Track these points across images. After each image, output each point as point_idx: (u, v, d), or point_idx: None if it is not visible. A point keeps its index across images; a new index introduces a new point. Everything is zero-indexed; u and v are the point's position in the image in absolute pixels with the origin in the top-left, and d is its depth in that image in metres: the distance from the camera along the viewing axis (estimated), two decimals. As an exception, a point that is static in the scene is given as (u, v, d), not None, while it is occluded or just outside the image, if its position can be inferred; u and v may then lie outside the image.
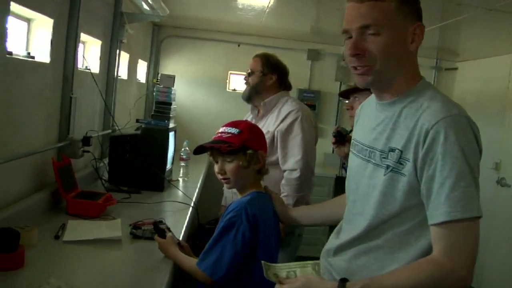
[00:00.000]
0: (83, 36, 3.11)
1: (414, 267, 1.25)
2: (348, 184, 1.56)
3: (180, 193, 3.26)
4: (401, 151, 1.30)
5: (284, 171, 2.80)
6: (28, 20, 2.46)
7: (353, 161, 1.53)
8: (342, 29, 1.38)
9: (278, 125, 2.86)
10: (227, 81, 5.74)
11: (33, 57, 2.38)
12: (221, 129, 1.92)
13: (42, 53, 2.48)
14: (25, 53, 2.36)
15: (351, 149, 1.58)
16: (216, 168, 1.89)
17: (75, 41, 2.71)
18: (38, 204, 2.39)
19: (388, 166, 1.33)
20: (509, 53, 4.65)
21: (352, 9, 1.36)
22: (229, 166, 1.87)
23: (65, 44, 2.69)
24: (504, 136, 4.62)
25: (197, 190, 3.46)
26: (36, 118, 2.46)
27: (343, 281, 1.28)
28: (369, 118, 1.50)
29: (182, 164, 3.80)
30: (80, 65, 3.10)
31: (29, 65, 2.33)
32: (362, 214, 1.41)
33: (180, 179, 3.74)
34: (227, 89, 5.74)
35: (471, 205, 1.20)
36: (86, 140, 2.88)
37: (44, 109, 2.55)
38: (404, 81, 1.38)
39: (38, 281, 1.56)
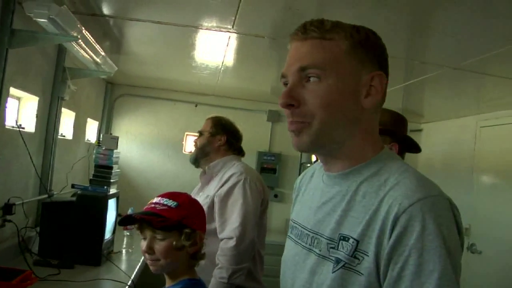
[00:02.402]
0: (16, 91, 2.82)
1: None
2: (282, 278, 1.20)
3: (120, 267, 2.89)
4: (357, 241, 0.95)
5: (221, 240, 2.50)
6: None
7: (290, 249, 1.19)
8: (281, 74, 1.10)
9: (219, 189, 2.60)
10: (184, 143, 5.47)
11: None
12: (155, 200, 1.62)
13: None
14: None
15: (288, 233, 1.24)
16: (143, 245, 1.57)
17: (0, 96, 2.41)
18: None
19: (338, 260, 0.98)
20: (475, 114, 4.57)
21: (294, 49, 1.07)
22: (160, 245, 1.55)
23: (-13, 99, 2.39)
24: (473, 200, 4.44)
25: (140, 263, 3.10)
26: None
27: None
28: (313, 194, 1.17)
29: (126, 233, 3.44)
30: (13, 123, 2.79)
31: None
32: None
33: (123, 251, 3.37)
34: (184, 151, 5.45)
35: None
36: (8, 208, 2.52)
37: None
38: (359, 147, 1.06)
39: None
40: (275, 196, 5.44)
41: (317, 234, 1.06)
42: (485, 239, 4.22)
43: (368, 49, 1.05)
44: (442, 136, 5.34)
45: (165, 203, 1.58)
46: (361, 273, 0.94)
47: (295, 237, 1.16)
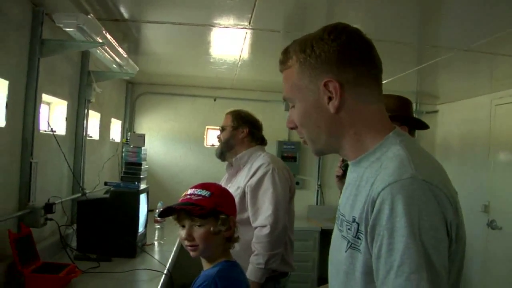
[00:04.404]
0: (47, 97, 2.97)
1: None
2: (329, 255, 1.31)
3: (154, 258, 3.04)
4: (358, 224, 1.06)
5: (255, 228, 2.63)
6: (-20, 83, 2.32)
7: (334, 230, 1.30)
8: None
9: (249, 180, 2.72)
10: (205, 136, 5.62)
11: (-15, 122, 2.22)
12: (189, 191, 1.76)
13: (-3, 117, 2.33)
14: (-24, 118, 2.21)
15: None
16: (183, 233, 1.71)
17: (35, 102, 2.56)
18: (-8, 281, 2.17)
19: (348, 241, 1.10)
20: (489, 93, 4.61)
21: None
22: (198, 232, 1.68)
23: (23, 106, 2.54)
24: (491, 177, 4.51)
25: (172, 253, 3.25)
26: (-9, 186, 2.28)
27: None
28: (347, 179, 1.30)
29: (157, 226, 3.59)
30: (45, 127, 2.95)
31: (-20, 130, 2.17)
32: None
33: (156, 242, 3.53)
34: (205, 145, 5.61)
35: None
36: (49, 207, 2.67)
37: (0, 177, 2.37)
38: (356, 142, 1.16)
39: None
40: (297, 183, 5.53)
41: (342, 216, 1.18)
42: (504, 215, 4.29)
43: (315, 61, 1.14)
44: (458, 116, 5.39)
45: (199, 193, 1.71)
46: (361, 251, 1.05)
47: (336, 219, 1.27)
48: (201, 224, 1.68)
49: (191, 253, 1.72)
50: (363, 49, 1.16)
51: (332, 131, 1.17)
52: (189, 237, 1.69)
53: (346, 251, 1.10)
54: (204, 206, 1.67)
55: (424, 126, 2.45)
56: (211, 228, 1.68)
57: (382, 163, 1.07)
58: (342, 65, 1.12)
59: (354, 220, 1.08)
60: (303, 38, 1.18)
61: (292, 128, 1.24)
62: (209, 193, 1.71)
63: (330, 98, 1.13)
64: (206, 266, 1.74)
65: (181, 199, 1.74)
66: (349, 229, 1.11)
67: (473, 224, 4.59)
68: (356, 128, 1.15)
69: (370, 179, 1.07)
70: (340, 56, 1.12)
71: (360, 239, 1.06)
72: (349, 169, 1.27)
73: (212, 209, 1.68)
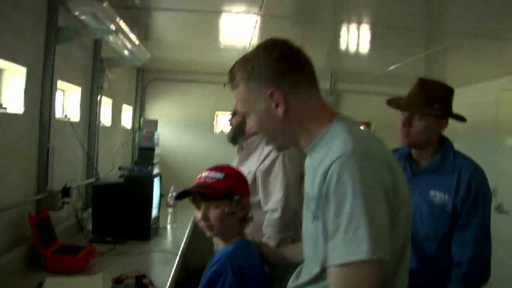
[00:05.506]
0: (62, 84, 3.04)
1: None
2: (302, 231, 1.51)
3: (167, 241, 3.12)
4: (317, 197, 1.24)
5: (266, 212, 2.69)
6: (-1, 70, 2.38)
7: (303, 210, 1.47)
8: None
9: (260, 165, 2.76)
10: (215, 122, 5.67)
11: (5, 108, 2.29)
12: (204, 174, 1.81)
13: (15, 104, 2.39)
14: (-4, 104, 2.28)
15: None
16: (199, 214, 1.77)
17: (51, 89, 2.63)
18: (14, 261, 2.26)
19: (312, 213, 1.30)
20: (497, 77, 4.60)
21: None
22: (214, 213, 1.74)
23: (40, 93, 2.60)
24: (498, 162, 4.51)
25: (185, 236, 3.33)
26: (11, 171, 2.35)
27: None
28: (305, 165, 1.49)
29: (170, 210, 3.67)
30: (60, 113, 3.02)
31: (0, 117, 2.23)
32: (308, 260, 1.39)
33: (168, 226, 3.60)
34: (215, 131, 5.67)
35: (359, 248, 1.10)
36: (66, 191, 2.75)
37: (19, 162, 2.45)
38: (306, 134, 1.37)
39: None
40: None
41: (307, 195, 1.37)
42: (512, 199, 4.33)
43: (256, 77, 1.35)
44: (466, 101, 5.32)
45: (213, 176, 1.76)
46: (320, 219, 1.24)
47: (304, 202, 1.44)
48: (216, 205, 1.73)
49: (207, 233, 1.78)
50: (293, 59, 1.36)
51: (286, 130, 1.39)
52: (205, 218, 1.74)
53: (312, 222, 1.30)
54: (219, 188, 1.71)
55: (462, 119, 2.45)
56: (226, 209, 1.72)
57: (330, 145, 1.26)
58: (279, 76, 1.33)
59: (314, 196, 1.26)
60: (243, 58, 1.40)
61: (253, 133, 1.44)
62: (223, 175, 1.76)
63: (277, 105, 1.34)
64: (221, 245, 1.80)
65: (196, 181, 1.79)
66: (312, 203, 1.29)
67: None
68: (303, 123, 1.37)
69: (322, 159, 1.25)
70: (276, 70, 1.33)
71: (319, 209, 1.24)
72: (307, 157, 1.45)
73: (227, 191, 1.73)
